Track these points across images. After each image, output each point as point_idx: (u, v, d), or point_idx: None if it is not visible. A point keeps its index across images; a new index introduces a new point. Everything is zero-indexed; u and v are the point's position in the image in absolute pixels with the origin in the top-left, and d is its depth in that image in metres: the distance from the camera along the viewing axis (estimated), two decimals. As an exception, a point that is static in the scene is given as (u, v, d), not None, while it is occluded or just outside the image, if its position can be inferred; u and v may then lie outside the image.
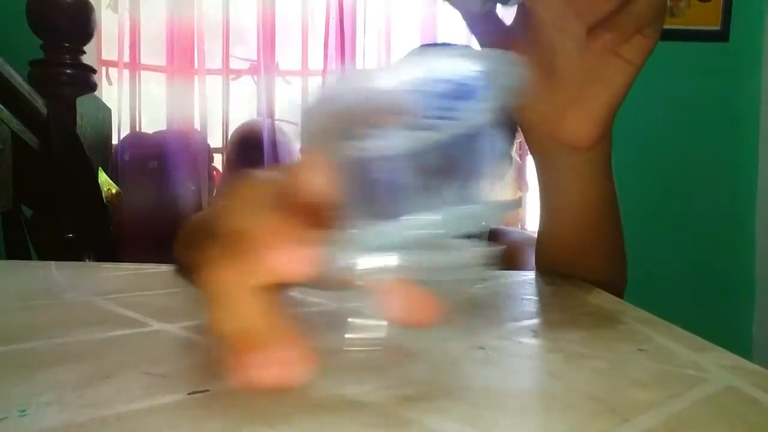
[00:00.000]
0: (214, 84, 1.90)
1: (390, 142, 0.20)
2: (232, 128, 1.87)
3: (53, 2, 1.16)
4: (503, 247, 0.25)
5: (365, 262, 0.19)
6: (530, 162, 2.08)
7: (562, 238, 0.46)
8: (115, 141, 1.70)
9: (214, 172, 1.88)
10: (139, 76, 1.85)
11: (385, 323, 0.22)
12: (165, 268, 0.51)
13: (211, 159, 1.86)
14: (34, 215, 1.21)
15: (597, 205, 0.44)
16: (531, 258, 0.71)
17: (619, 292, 0.44)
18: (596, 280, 0.43)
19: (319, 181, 0.19)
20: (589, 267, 0.45)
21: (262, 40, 1.86)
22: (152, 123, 1.85)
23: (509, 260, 0.75)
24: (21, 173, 1.02)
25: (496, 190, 0.21)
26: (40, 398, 0.19)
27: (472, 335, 0.28)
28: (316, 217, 0.19)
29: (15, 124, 1.00)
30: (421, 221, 0.19)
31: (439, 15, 1.91)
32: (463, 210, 0.20)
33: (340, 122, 0.20)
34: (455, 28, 1.91)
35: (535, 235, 0.67)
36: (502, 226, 1.22)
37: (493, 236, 0.82)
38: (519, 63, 0.20)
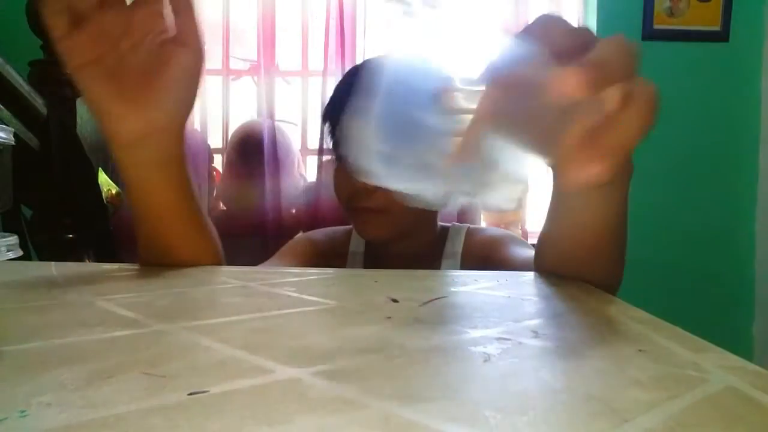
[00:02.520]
0: (214, 84, 1.90)
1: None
2: (232, 128, 1.87)
3: (53, 2, 1.15)
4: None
5: None
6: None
7: (565, 248, 0.48)
8: (115, 141, 1.69)
9: (214, 173, 1.88)
10: (139, 76, 1.85)
11: None
12: (165, 269, 0.51)
13: (211, 159, 1.86)
14: (34, 215, 1.21)
15: (606, 229, 0.45)
16: (510, 251, 0.72)
17: (612, 292, 0.45)
18: (593, 283, 0.45)
19: None
20: (588, 273, 0.46)
21: (262, 41, 1.86)
22: (152, 123, 1.85)
23: (487, 256, 0.76)
24: (21, 173, 1.02)
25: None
26: (40, 399, 0.19)
27: (473, 335, 0.28)
28: None
29: (15, 124, 1.00)
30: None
31: (438, 17, 1.91)
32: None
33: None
34: (453, 30, 1.91)
35: (512, 233, 0.72)
36: (480, 225, 1.23)
37: (471, 233, 0.83)
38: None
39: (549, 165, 0.38)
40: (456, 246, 0.81)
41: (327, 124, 0.80)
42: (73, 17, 0.41)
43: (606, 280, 0.46)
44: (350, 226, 0.87)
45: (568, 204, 0.45)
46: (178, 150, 0.50)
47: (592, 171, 0.35)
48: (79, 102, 1.18)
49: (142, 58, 0.45)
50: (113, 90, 0.45)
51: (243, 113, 1.95)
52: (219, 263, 0.56)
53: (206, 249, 0.56)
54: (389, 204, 0.72)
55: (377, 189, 0.72)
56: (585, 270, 0.46)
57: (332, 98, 0.80)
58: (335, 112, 0.77)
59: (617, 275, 0.50)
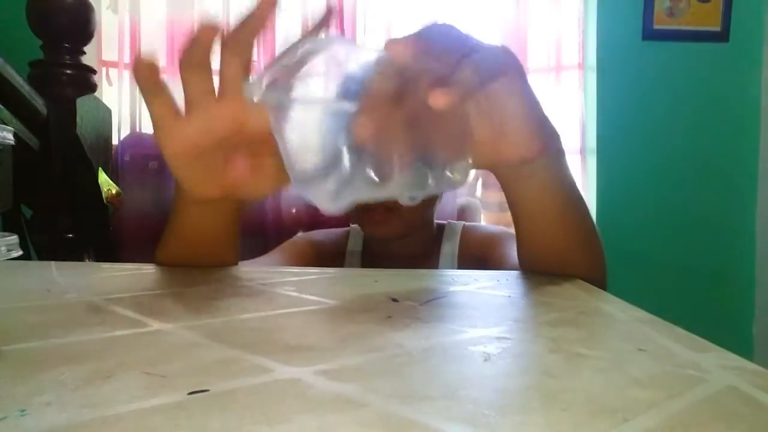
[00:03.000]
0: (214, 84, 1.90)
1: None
2: (232, 128, 1.86)
3: (53, 2, 1.16)
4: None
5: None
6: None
7: (531, 241, 0.50)
8: (115, 141, 1.69)
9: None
10: (140, 76, 1.85)
11: None
12: (164, 269, 0.51)
13: (211, 159, 1.86)
14: (33, 215, 1.21)
15: (558, 209, 0.47)
16: (507, 249, 0.72)
17: (602, 286, 0.45)
18: (577, 275, 0.46)
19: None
20: (563, 265, 0.47)
21: (262, 41, 1.86)
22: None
23: (484, 254, 0.76)
24: (21, 173, 1.02)
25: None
26: (40, 398, 0.19)
27: (473, 335, 0.28)
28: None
29: (15, 124, 1.00)
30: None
31: (439, 17, 1.91)
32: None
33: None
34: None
35: (509, 230, 0.75)
36: (478, 223, 1.23)
37: (467, 231, 0.83)
38: None
39: (485, 156, 0.43)
40: (452, 244, 0.82)
41: None
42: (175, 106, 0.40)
43: (585, 272, 0.47)
44: (347, 228, 0.87)
45: (513, 193, 0.48)
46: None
47: (514, 149, 0.42)
48: (79, 102, 1.18)
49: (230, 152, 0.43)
50: (205, 176, 0.43)
51: (243, 113, 1.95)
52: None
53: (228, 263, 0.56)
54: (403, 206, 0.73)
55: None
56: (554, 262, 0.48)
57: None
58: None
59: (593, 266, 0.50)
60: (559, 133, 0.46)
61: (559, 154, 0.46)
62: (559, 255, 0.49)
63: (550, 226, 0.48)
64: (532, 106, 0.41)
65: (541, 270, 0.49)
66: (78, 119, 1.17)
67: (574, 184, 0.49)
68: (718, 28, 1.91)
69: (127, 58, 1.83)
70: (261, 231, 1.77)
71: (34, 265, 0.56)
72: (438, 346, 0.26)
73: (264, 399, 0.19)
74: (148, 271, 0.50)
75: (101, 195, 1.22)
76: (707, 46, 1.91)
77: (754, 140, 1.94)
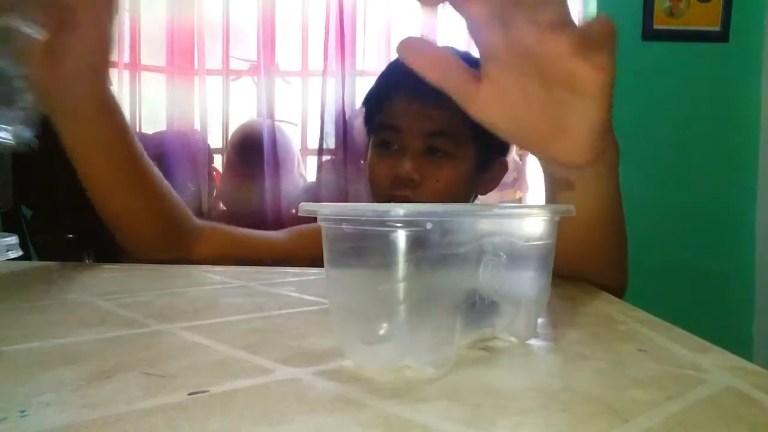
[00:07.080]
0: (214, 84, 1.90)
1: None
2: (232, 129, 1.86)
3: (53, 2, 1.16)
4: None
5: None
6: (530, 163, 2.03)
7: (563, 246, 0.48)
8: (115, 141, 1.69)
9: (214, 173, 1.88)
10: (139, 76, 1.85)
11: None
12: (165, 268, 0.51)
13: (211, 159, 1.86)
14: (34, 215, 1.21)
15: (599, 218, 0.45)
16: None
17: (618, 295, 0.44)
18: (596, 284, 0.44)
19: None
20: (589, 272, 0.46)
21: (262, 41, 1.86)
22: (152, 123, 1.85)
23: None
24: (21, 173, 1.02)
25: None
26: (40, 398, 0.19)
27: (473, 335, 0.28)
28: None
29: (15, 124, 1.00)
30: None
31: (439, 17, 1.91)
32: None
33: None
34: (454, 30, 1.91)
35: None
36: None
37: None
38: None
39: (533, 151, 0.40)
40: None
41: (367, 109, 0.79)
42: None
43: (607, 281, 0.46)
44: None
45: (556, 194, 0.45)
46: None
47: (568, 154, 0.38)
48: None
49: None
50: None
51: (243, 113, 1.95)
52: (165, 217, 0.60)
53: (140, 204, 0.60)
54: (432, 199, 0.70)
55: (423, 181, 0.70)
56: (582, 268, 0.46)
57: (378, 83, 0.78)
58: (381, 96, 0.75)
59: (617, 277, 0.49)
60: (617, 147, 0.42)
61: (612, 167, 0.43)
62: (585, 264, 0.47)
63: (585, 237, 0.45)
64: (607, 111, 0.36)
65: (561, 274, 0.48)
66: (78, 119, 1.17)
67: (619, 198, 0.46)
68: (718, 28, 1.90)
69: (127, 58, 1.83)
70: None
71: (34, 265, 0.56)
72: (438, 347, 0.26)
73: (264, 399, 0.19)
74: (147, 271, 0.50)
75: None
76: (707, 46, 1.91)
77: (754, 140, 1.93)
